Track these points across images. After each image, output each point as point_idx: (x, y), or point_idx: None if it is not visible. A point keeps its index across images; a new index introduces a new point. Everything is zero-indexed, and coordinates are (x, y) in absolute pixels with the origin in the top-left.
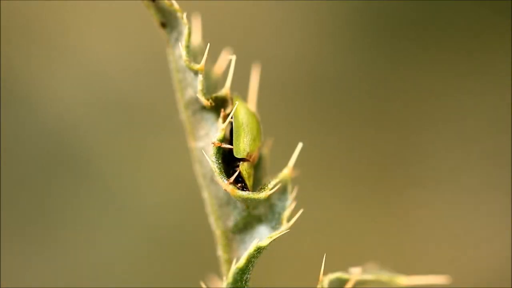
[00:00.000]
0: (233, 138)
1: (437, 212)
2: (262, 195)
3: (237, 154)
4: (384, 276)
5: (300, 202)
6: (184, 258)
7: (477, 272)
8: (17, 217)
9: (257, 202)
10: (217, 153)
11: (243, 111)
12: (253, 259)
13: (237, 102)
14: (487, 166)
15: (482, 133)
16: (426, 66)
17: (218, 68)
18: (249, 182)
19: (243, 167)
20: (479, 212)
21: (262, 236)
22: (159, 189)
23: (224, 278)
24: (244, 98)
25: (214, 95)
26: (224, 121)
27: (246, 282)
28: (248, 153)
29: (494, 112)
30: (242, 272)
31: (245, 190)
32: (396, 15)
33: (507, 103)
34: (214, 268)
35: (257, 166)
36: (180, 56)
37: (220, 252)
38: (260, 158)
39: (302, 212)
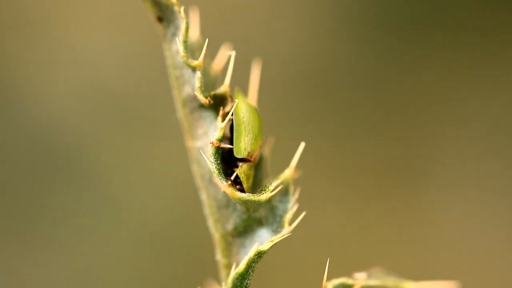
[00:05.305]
0: (234, 137)
1: (444, 216)
2: (263, 197)
3: (237, 154)
4: (390, 281)
5: (302, 204)
6: (181, 263)
7: (485, 277)
8: (11, 219)
9: (258, 204)
10: (215, 153)
11: (244, 108)
12: (253, 264)
13: (236, 100)
14: (493, 172)
15: (490, 138)
16: (432, 65)
17: (217, 64)
18: (246, 184)
19: (241, 169)
20: (486, 218)
21: (263, 239)
22: (155, 190)
23: (223, 283)
24: (244, 95)
25: (212, 92)
26: (223, 119)
27: None
28: (249, 152)
29: (504, 115)
30: (242, 277)
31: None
32: (404, 15)
33: None
34: (212, 273)
35: (257, 166)
36: (177, 52)
37: (219, 256)
38: (261, 158)
39: (305, 215)
